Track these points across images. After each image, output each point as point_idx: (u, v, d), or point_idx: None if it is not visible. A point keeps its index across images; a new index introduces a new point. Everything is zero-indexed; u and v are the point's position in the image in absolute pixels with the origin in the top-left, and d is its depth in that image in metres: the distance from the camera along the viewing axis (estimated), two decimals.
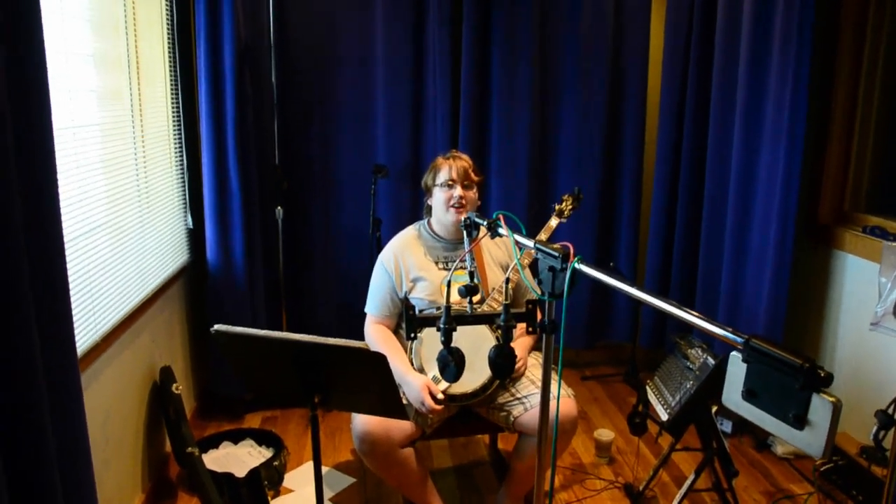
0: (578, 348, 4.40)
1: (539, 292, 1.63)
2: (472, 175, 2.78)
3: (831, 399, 1.03)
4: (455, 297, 1.82)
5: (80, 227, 2.31)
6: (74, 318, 1.77)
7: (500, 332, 1.71)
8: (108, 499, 2.51)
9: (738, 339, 1.15)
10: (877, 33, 3.29)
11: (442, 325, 1.71)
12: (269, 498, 2.95)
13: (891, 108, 3.36)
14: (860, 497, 2.96)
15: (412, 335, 1.83)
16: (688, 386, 2.72)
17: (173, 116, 3.47)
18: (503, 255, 2.88)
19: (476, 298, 1.87)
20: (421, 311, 2.72)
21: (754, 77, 3.35)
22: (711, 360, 2.67)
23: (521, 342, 2.77)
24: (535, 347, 2.89)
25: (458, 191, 2.72)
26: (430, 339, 2.65)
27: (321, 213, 4.01)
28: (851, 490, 3.01)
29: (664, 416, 2.80)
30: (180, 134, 3.56)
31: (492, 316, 1.77)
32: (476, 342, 2.59)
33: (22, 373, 1.51)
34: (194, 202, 3.67)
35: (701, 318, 1.24)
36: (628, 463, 3.38)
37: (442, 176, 2.76)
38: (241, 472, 2.90)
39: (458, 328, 1.73)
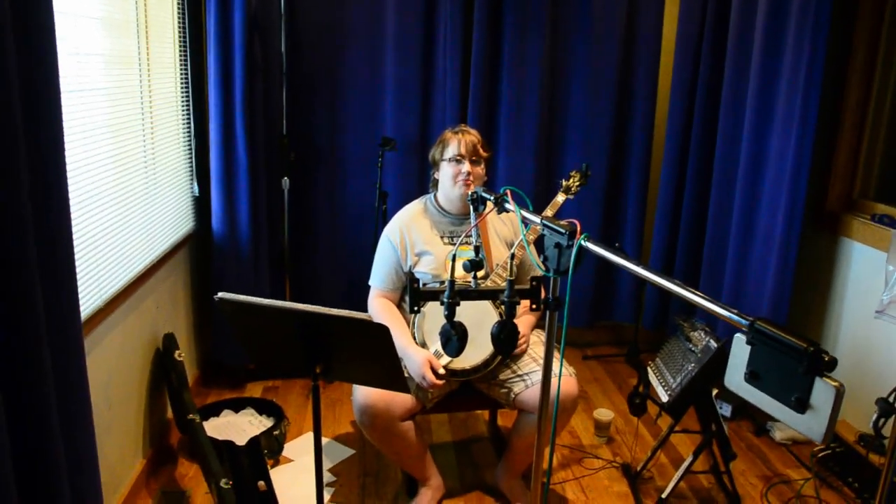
0: (580, 327, 4.40)
1: (544, 269, 1.63)
2: (481, 150, 2.76)
3: (834, 384, 1.03)
4: (459, 271, 1.82)
5: (86, 192, 2.31)
6: (79, 283, 1.77)
7: (503, 307, 1.71)
8: (109, 463, 2.53)
9: (744, 321, 1.14)
10: (895, 17, 3.25)
11: (445, 300, 1.71)
12: (269, 466, 2.97)
13: None
14: (856, 484, 2.97)
15: (415, 309, 1.83)
16: (689, 368, 2.72)
17: (182, 83, 3.45)
18: (508, 231, 2.87)
19: (480, 274, 1.87)
20: (425, 284, 2.72)
21: (768, 60, 3.31)
22: (714, 343, 2.67)
23: (524, 319, 2.77)
24: (538, 325, 2.89)
25: (466, 166, 2.71)
26: (434, 314, 2.65)
27: (327, 184, 3.99)
28: (848, 477, 3.02)
29: (664, 398, 2.80)
30: (188, 100, 3.55)
31: (496, 291, 1.76)
32: (479, 317, 2.59)
33: (25, 335, 1.51)
34: (201, 170, 3.66)
35: (707, 300, 1.23)
36: (627, 443, 3.39)
37: (450, 150, 2.74)
38: (241, 441, 2.92)
39: (462, 303, 1.73)
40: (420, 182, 3.94)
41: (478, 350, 2.59)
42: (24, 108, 1.49)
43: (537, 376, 2.60)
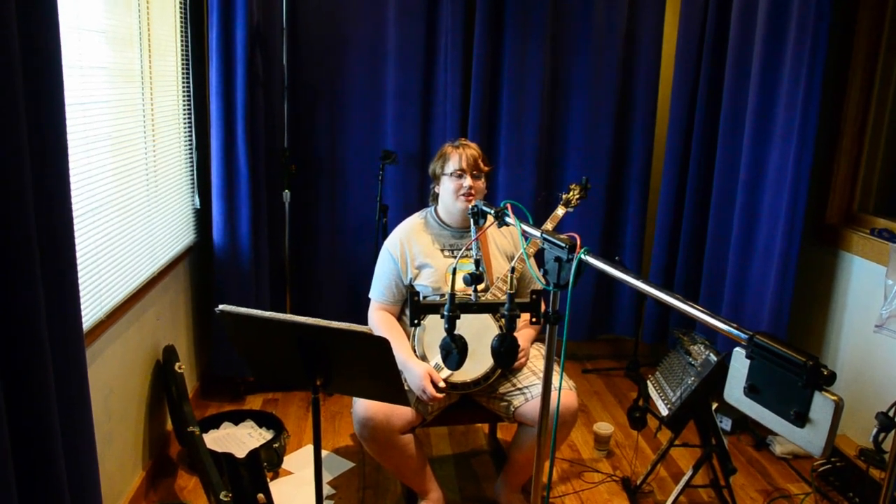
0: (580, 340, 4.40)
1: (544, 282, 1.63)
2: (482, 164, 2.77)
3: (833, 398, 1.03)
4: (460, 284, 1.82)
5: (88, 204, 2.32)
6: (81, 294, 1.78)
7: (503, 321, 1.71)
8: (109, 474, 2.53)
9: (743, 335, 1.15)
10: (894, 33, 3.26)
11: (446, 313, 1.72)
12: (268, 479, 2.96)
13: None
14: (857, 499, 2.97)
15: (416, 322, 1.83)
16: (689, 382, 2.72)
17: (183, 96, 3.47)
18: (509, 244, 2.88)
19: (481, 287, 1.87)
20: (425, 297, 2.73)
21: (767, 73, 3.33)
22: (713, 357, 2.67)
23: (523, 333, 2.77)
24: (538, 338, 2.90)
25: (467, 181, 2.71)
26: (434, 327, 2.65)
27: (328, 197, 4.01)
28: (848, 492, 3.02)
29: (664, 412, 2.80)
30: (190, 113, 3.57)
31: (496, 305, 1.77)
32: (479, 331, 2.59)
33: (28, 346, 1.52)
34: (202, 182, 3.68)
35: (707, 314, 1.24)
36: (626, 457, 3.39)
37: (451, 165, 2.75)
38: (240, 453, 2.92)
39: (462, 316, 1.74)
40: (420, 195, 3.95)
41: (478, 363, 2.59)
42: (28, 119, 1.50)
43: (537, 390, 2.60)
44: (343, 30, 3.80)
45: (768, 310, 3.35)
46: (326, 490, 3.02)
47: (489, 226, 1.97)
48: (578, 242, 1.54)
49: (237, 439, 3.29)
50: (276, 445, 3.16)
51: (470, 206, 2.08)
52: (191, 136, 3.59)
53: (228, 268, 3.56)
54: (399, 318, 2.86)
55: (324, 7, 3.75)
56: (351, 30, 3.80)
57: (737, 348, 1.17)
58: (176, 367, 3.08)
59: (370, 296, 2.89)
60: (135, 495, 2.78)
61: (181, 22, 3.40)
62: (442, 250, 2.80)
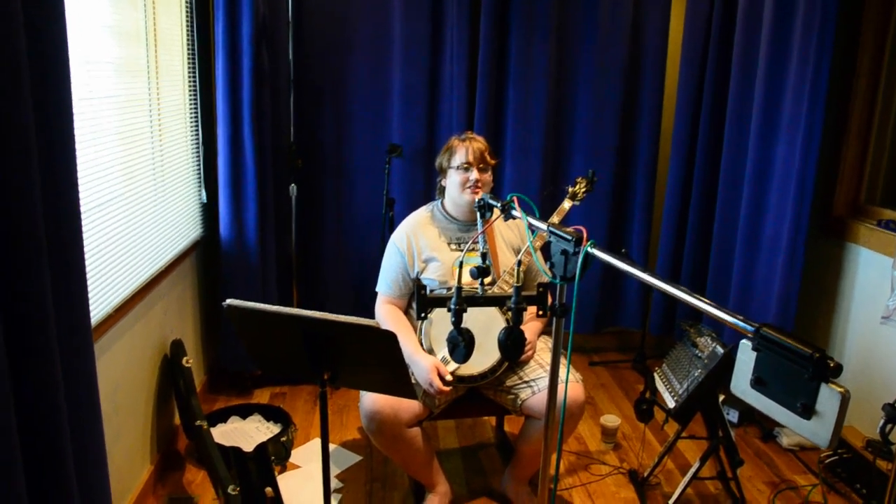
0: (587, 333, 4.41)
1: (550, 275, 1.63)
2: (488, 158, 2.77)
3: (840, 390, 1.03)
4: (466, 278, 1.83)
5: (95, 199, 2.33)
6: (88, 289, 1.78)
7: (510, 314, 1.71)
8: (117, 468, 2.54)
9: (749, 328, 1.14)
10: None
11: (452, 306, 1.72)
12: (276, 473, 2.97)
13: None
14: (864, 490, 2.97)
15: (423, 315, 1.83)
16: (696, 374, 2.72)
17: (190, 90, 3.47)
18: (515, 237, 2.88)
19: (487, 280, 1.87)
20: (432, 291, 2.73)
21: (774, 65, 3.32)
22: (720, 349, 2.67)
23: (530, 325, 2.77)
24: (545, 331, 2.90)
25: (474, 174, 2.71)
26: (441, 320, 2.66)
27: (335, 191, 4.01)
28: (855, 483, 3.01)
29: (671, 404, 2.80)
30: (196, 108, 3.57)
31: (502, 298, 1.77)
32: (486, 324, 2.59)
33: (37, 341, 1.52)
34: (208, 176, 3.68)
35: (712, 306, 1.24)
36: (633, 449, 3.39)
37: (458, 158, 2.75)
38: (248, 447, 2.92)
39: (469, 309, 1.74)
40: (427, 188, 3.95)
41: (485, 356, 2.59)
42: (36, 115, 1.50)
43: (544, 382, 2.60)
44: (349, 24, 3.80)
45: (775, 302, 3.34)
46: (334, 483, 3.03)
47: (496, 219, 1.97)
48: (585, 235, 1.54)
49: (245, 433, 3.31)
50: (283, 439, 3.17)
51: (476, 200, 2.08)
52: (197, 130, 3.60)
53: (235, 262, 3.57)
54: (406, 312, 2.86)
55: (329, 1, 3.75)
56: (357, 24, 3.80)
57: (743, 340, 1.17)
58: (183, 362, 3.09)
59: (377, 289, 2.89)
60: (143, 489, 2.79)
61: (187, 16, 3.41)
62: (448, 244, 2.80)
